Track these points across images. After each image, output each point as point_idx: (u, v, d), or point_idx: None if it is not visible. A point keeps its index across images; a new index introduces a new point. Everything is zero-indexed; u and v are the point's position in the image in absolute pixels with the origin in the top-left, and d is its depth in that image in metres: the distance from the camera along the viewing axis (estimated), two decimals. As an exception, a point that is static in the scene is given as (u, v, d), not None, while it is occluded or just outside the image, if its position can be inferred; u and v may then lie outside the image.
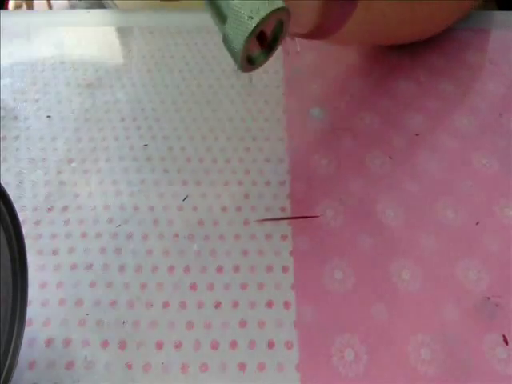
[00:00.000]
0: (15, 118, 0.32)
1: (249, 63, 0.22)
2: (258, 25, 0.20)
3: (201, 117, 0.32)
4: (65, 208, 0.27)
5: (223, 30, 0.20)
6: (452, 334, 0.22)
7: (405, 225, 0.26)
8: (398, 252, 0.25)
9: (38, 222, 0.26)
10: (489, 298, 0.23)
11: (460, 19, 0.37)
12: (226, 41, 0.21)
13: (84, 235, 0.26)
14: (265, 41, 0.21)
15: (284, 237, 0.26)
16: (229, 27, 0.20)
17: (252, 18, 0.19)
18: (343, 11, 0.24)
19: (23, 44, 0.38)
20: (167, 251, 0.25)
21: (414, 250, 0.25)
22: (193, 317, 0.23)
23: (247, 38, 0.20)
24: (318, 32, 0.24)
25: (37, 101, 0.33)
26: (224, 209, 0.27)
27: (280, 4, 0.20)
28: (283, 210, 0.27)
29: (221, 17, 0.21)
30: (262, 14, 0.19)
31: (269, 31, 0.22)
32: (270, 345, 0.22)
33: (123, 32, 0.39)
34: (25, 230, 0.20)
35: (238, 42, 0.20)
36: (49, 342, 0.22)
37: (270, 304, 0.23)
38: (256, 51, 0.22)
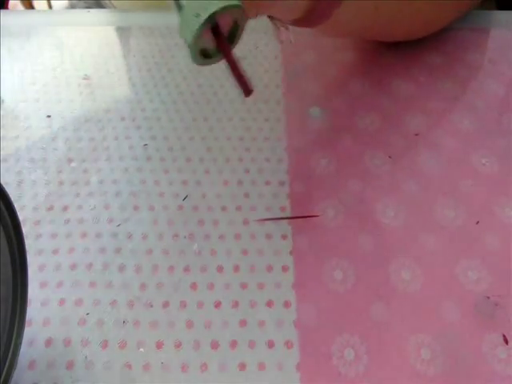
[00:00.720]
0: (15, 117, 0.32)
1: (205, 57, 0.22)
2: (204, 23, 0.20)
3: (201, 117, 0.32)
4: (65, 208, 0.27)
5: (179, 27, 0.21)
6: (452, 334, 0.22)
7: (405, 225, 0.26)
8: (398, 252, 0.25)
9: (37, 222, 0.26)
10: (489, 298, 0.23)
11: (458, 19, 0.37)
12: (180, 33, 0.21)
13: (84, 235, 0.26)
14: (221, 37, 0.21)
15: (284, 236, 0.26)
16: (181, 20, 0.20)
17: (199, 15, 0.20)
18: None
19: (23, 44, 0.38)
20: (167, 251, 0.25)
21: (414, 249, 0.25)
22: (193, 317, 0.23)
23: (195, 34, 0.20)
24: (307, 19, 0.24)
25: (37, 101, 0.33)
26: (224, 209, 0.27)
27: (230, 2, 0.20)
28: (283, 209, 0.27)
29: (178, 6, 0.21)
30: (209, 11, 0.19)
31: (226, 28, 0.21)
32: (270, 344, 0.22)
33: (123, 32, 0.39)
34: (25, 230, 0.20)
35: (188, 37, 0.20)
36: (49, 342, 0.22)
37: (270, 304, 0.23)
38: (212, 46, 0.22)
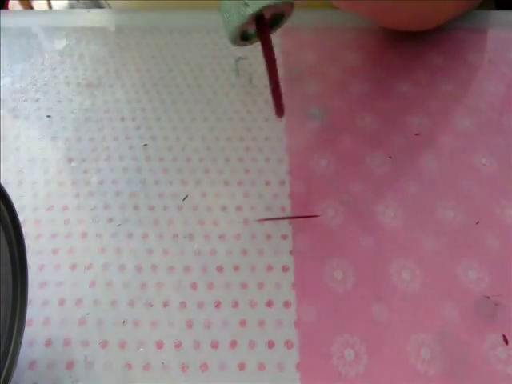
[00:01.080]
0: (15, 117, 0.32)
1: (242, 39, 0.22)
2: (252, 14, 0.20)
3: (201, 117, 0.32)
4: (65, 208, 0.27)
5: (222, 4, 0.20)
6: (452, 334, 0.22)
7: (405, 225, 0.26)
8: (398, 252, 0.25)
9: (37, 222, 0.26)
10: (489, 298, 0.23)
11: (458, 16, 0.37)
12: (222, 15, 0.21)
13: (84, 235, 0.26)
14: (262, 22, 0.21)
15: (284, 236, 0.26)
16: (227, 4, 0.20)
17: (247, 6, 0.19)
18: None
19: (23, 44, 0.38)
20: (167, 251, 0.25)
21: (414, 249, 0.25)
22: (193, 316, 0.23)
23: (240, 23, 0.20)
24: None
25: (37, 101, 0.33)
26: (224, 209, 0.27)
27: None
28: (283, 209, 0.27)
29: None
30: (260, 5, 0.19)
31: (268, 16, 0.21)
32: (270, 344, 0.22)
33: (123, 31, 0.39)
34: (25, 229, 0.20)
35: (233, 23, 0.20)
36: (49, 342, 0.22)
37: (270, 304, 0.23)
38: (252, 29, 0.22)
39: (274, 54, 0.21)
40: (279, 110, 0.22)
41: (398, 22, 0.35)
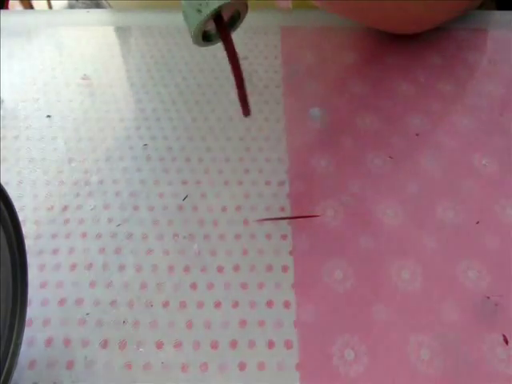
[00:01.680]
0: (15, 117, 0.32)
1: (205, 40, 0.23)
2: (206, 17, 0.20)
3: (201, 117, 0.32)
4: (65, 208, 0.27)
5: (182, 7, 0.21)
6: (452, 334, 0.22)
7: (405, 225, 0.26)
8: (398, 252, 0.25)
9: (37, 222, 0.26)
10: (489, 298, 0.23)
11: (456, 18, 0.37)
12: (184, 18, 0.21)
13: (84, 235, 0.26)
14: (222, 22, 0.22)
15: (284, 236, 0.26)
16: (185, 9, 0.21)
17: (200, 11, 0.20)
18: None
19: (23, 44, 0.38)
20: (167, 251, 0.25)
21: (414, 249, 0.25)
22: (193, 316, 0.23)
23: (196, 28, 0.21)
24: None
25: (37, 101, 0.33)
26: (224, 209, 0.27)
27: None
28: (283, 209, 0.27)
29: None
30: (210, 9, 0.20)
31: (226, 16, 0.22)
32: (270, 344, 0.22)
33: (123, 32, 0.39)
34: (25, 230, 0.20)
35: (191, 27, 0.21)
36: (49, 342, 0.22)
37: (269, 304, 0.23)
38: (212, 30, 0.22)
39: (235, 52, 0.22)
40: (245, 108, 0.23)
41: (388, 24, 0.35)
